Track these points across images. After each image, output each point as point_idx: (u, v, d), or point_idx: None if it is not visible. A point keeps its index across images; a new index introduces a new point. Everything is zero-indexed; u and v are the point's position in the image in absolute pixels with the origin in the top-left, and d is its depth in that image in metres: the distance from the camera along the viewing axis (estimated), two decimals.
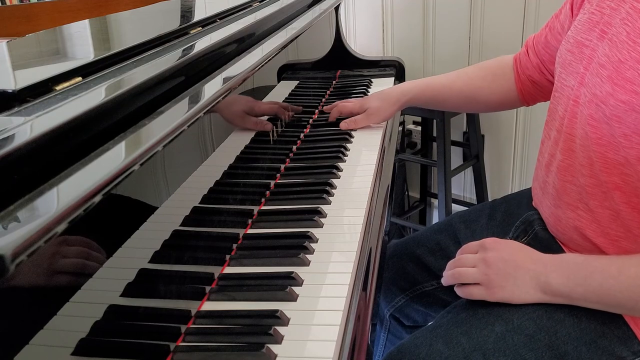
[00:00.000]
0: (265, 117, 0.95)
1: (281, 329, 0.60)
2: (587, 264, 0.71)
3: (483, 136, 2.01)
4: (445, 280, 0.82)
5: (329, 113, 1.19)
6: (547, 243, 0.84)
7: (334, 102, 1.20)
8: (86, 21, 0.89)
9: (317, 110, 1.27)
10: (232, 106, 0.84)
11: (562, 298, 0.73)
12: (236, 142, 0.83)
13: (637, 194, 0.70)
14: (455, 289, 0.80)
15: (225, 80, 0.74)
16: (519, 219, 0.91)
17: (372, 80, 1.49)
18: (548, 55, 0.95)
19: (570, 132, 0.76)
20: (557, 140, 0.80)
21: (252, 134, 0.89)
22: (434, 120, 1.86)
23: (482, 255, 0.78)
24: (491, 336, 0.73)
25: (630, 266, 0.68)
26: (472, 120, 1.89)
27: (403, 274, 1.04)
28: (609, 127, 0.69)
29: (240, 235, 0.79)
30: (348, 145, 1.08)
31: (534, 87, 1.00)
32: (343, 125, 1.14)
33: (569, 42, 0.80)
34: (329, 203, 0.87)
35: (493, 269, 0.76)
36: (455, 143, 2.01)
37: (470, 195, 2.14)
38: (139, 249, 0.56)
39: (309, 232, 0.78)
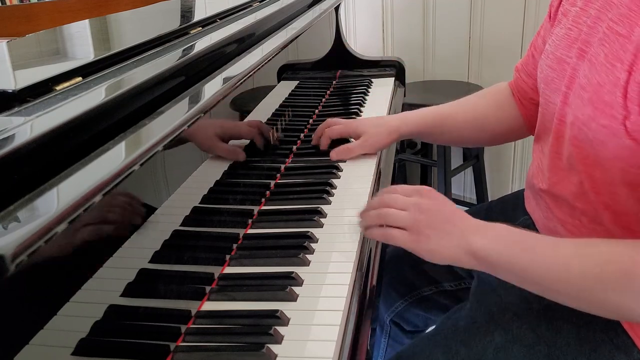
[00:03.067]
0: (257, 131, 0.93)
1: (281, 329, 0.60)
2: (523, 237, 0.68)
3: None
4: (364, 221, 0.76)
5: (327, 114, 1.19)
6: None
7: (334, 102, 1.20)
8: (86, 21, 0.89)
9: (317, 111, 1.27)
10: (205, 130, 0.74)
11: (483, 263, 0.68)
12: (236, 142, 0.83)
13: (625, 213, 0.69)
14: (371, 230, 0.75)
15: (225, 80, 0.74)
16: (514, 223, 0.90)
17: (372, 80, 1.49)
18: None
19: (557, 150, 0.75)
20: (546, 154, 0.79)
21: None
22: None
23: (417, 200, 0.73)
24: (490, 346, 0.72)
25: (564, 247, 0.65)
26: None
27: (401, 279, 1.04)
28: (592, 149, 0.68)
29: (241, 235, 0.79)
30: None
31: (537, 108, 0.95)
32: (333, 155, 1.01)
33: (549, 58, 0.78)
34: (329, 203, 0.87)
35: (425, 215, 0.71)
36: None
37: (470, 195, 2.14)
38: (139, 249, 0.56)
39: (309, 232, 0.77)
